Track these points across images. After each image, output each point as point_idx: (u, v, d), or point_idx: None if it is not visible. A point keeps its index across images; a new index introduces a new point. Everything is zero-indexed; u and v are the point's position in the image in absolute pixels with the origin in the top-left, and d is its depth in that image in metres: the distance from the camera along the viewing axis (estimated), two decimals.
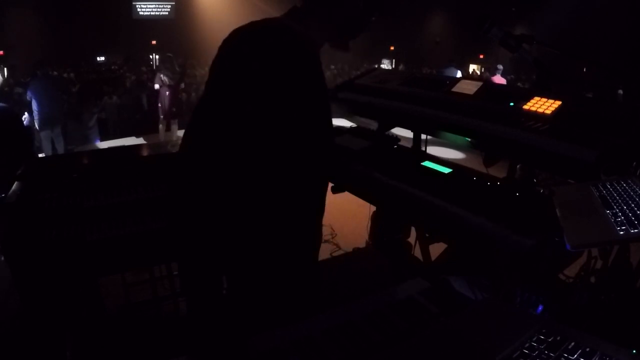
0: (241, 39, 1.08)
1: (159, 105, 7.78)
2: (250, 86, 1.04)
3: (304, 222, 1.20)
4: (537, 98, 1.73)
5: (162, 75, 7.63)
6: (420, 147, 2.31)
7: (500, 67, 9.10)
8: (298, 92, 1.06)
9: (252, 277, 1.18)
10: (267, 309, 1.21)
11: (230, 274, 1.16)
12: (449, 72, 9.03)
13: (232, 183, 1.10)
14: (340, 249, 3.67)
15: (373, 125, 2.39)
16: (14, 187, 1.82)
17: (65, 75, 10.69)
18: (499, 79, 8.64)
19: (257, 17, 1.15)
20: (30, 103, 6.38)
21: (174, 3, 16.18)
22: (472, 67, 15.59)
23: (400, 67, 12.45)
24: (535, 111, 1.67)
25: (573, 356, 0.69)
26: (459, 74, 9.61)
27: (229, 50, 1.08)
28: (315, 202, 1.20)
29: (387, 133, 2.24)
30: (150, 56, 15.29)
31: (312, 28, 1.13)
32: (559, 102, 1.67)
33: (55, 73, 9.87)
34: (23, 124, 3.30)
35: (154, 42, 15.36)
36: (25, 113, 6.58)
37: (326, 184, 1.24)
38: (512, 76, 12.51)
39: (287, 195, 1.13)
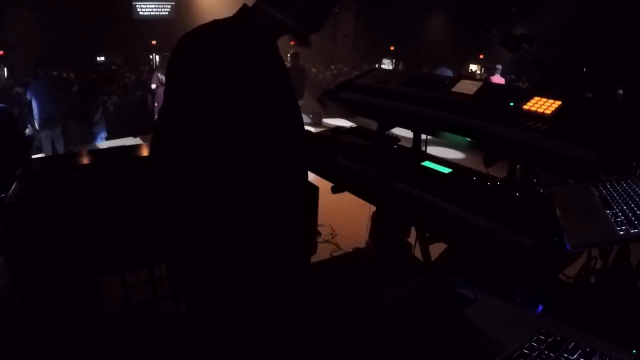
0: (218, 37, 1.07)
1: (155, 105, 7.75)
2: (235, 79, 1.05)
3: (289, 212, 1.25)
4: (537, 98, 1.73)
5: (159, 75, 7.60)
6: (420, 147, 2.31)
7: (499, 67, 9.10)
8: (268, 82, 1.13)
9: (241, 274, 1.19)
10: (259, 306, 1.22)
11: (220, 272, 1.15)
12: (441, 72, 9.04)
13: (218, 180, 1.11)
14: (340, 249, 3.67)
15: (373, 125, 2.39)
16: (14, 187, 1.82)
17: (65, 75, 10.68)
18: (498, 79, 8.64)
19: None
20: (30, 103, 6.38)
21: (174, 3, 16.16)
22: (472, 67, 15.60)
23: (400, 66, 12.45)
24: (535, 111, 1.67)
25: (573, 356, 0.69)
26: (450, 74, 9.61)
27: (204, 49, 1.04)
28: (296, 193, 1.25)
29: (387, 133, 2.24)
30: (150, 56, 15.29)
31: (264, 24, 1.14)
32: (559, 102, 1.67)
33: (55, 73, 9.86)
34: (18, 125, 3.29)
35: (154, 42, 15.35)
36: (29, 125, 6.58)
37: (304, 172, 1.33)
38: (512, 76, 12.51)
39: (269, 186, 1.17)
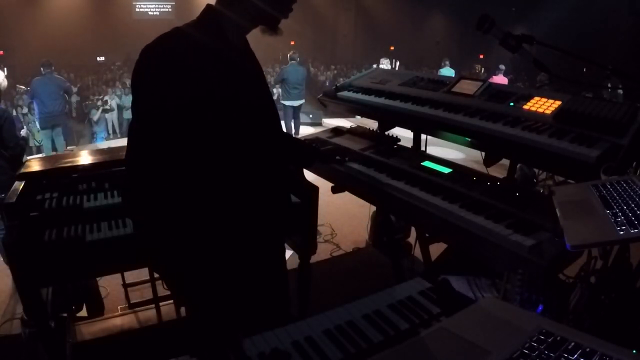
0: (177, 47, 1.06)
1: None
2: (197, 86, 1.04)
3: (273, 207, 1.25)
4: (537, 98, 1.73)
5: None
6: (420, 147, 2.31)
7: (503, 67, 9.09)
8: (232, 84, 1.12)
9: (219, 277, 1.19)
10: (238, 306, 1.22)
11: (199, 274, 1.15)
12: (444, 72, 9.05)
13: (193, 186, 1.11)
14: (340, 249, 3.67)
15: (373, 125, 2.39)
16: (13, 187, 1.82)
17: (65, 75, 10.70)
18: (501, 79, 8.63)
19: None
20: (31, 103, 6.39)
21: (174, 3, 16.18)
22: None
23: (399, 66, 12.45)
24: (535, 111, 1.67)
25: (573, 356, 0.69)
26: (453, 75, 9.62)
27: (164, 62, 1.04)
28: (274, 191, 1.25)
29: (387, 133, 2.24)
30: None
31: (230, 19, 1.13)
32: (559, 102, 1.67)
33: (55, 73, 9.88)
34: (13, 127, 3.25)
35: None
36: (24, 127, 6.58)
37: (283, 169, 1.34)
38: (512, 76, 12.51)
39: (246, 186, 1.17)
